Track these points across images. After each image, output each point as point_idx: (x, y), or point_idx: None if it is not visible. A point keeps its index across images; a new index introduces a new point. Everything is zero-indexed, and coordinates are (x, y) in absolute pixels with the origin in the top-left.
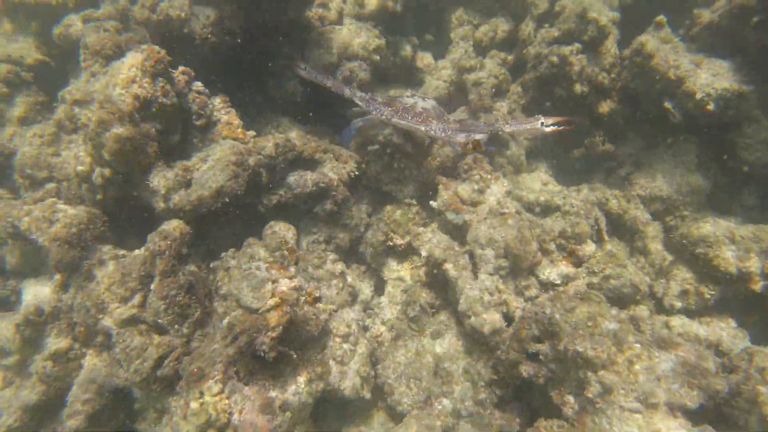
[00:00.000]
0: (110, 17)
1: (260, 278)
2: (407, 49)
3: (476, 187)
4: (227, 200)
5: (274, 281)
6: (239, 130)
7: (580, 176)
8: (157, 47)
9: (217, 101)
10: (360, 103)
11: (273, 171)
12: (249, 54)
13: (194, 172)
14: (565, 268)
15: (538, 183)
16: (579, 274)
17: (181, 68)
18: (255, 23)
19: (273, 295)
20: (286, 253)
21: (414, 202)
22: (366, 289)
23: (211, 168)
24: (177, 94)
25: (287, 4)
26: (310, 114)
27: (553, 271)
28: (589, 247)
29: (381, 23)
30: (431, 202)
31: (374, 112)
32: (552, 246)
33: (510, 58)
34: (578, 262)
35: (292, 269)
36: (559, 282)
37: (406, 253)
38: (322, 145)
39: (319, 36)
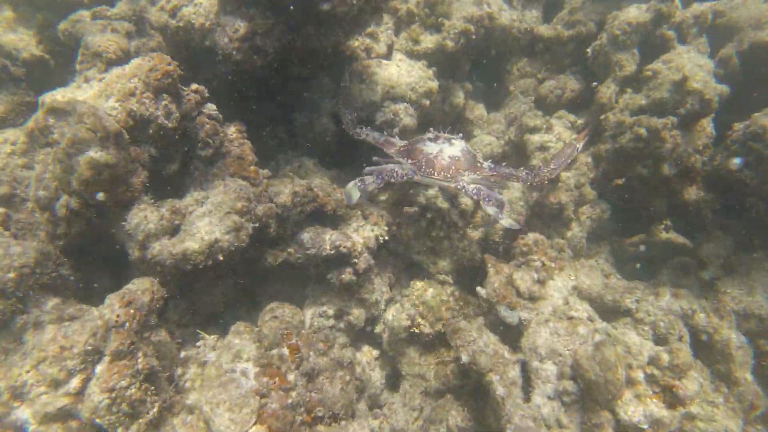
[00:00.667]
0: (125, 17)
1: (244, 390)
2: (459, 96)
3: (536, 276)
4: (222, 258)
5: (263, 396)
6: (252, 168)
7: (641, 270)
8: (168, 57)
9: (231, 130)
10: (374, 143)
11: (285, 223)
12: (278, 80)
13: (186, 216)
14: (655, 408)
15: (599, 275)
16: (674, 419)
17: (194, 86)
18: (291, 45)
19: (258, 419)
20: (286, 352)
21: (450, 280)
22: (376, 380)
23: (207, 214)
24: (183, 115)
25: (333, 27)
26: (341, 157)
27: (638, 410)
28: (693, 385)
29: (435, 64)
30: (478, 289)
31: (390, 173)
32: (639, 375)
33: (580, 122)
34: (675, 401)
35: (292, 377)
36: (646, 427)
37: (434, 344)
38: None
39: (362, 69)
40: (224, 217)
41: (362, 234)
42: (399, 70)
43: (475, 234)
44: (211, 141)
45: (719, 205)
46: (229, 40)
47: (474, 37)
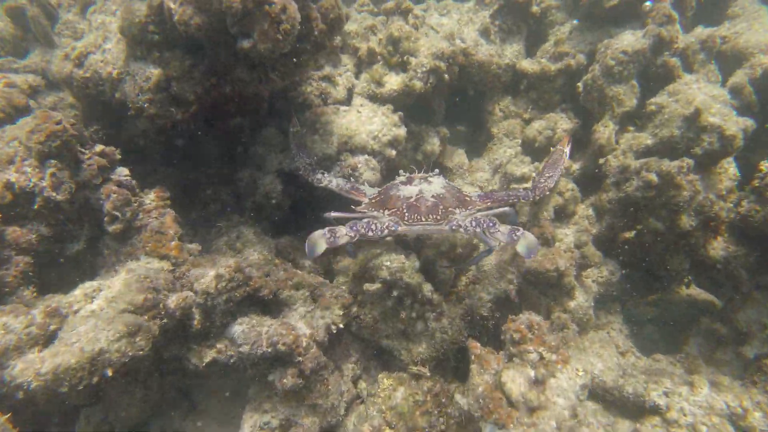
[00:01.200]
0: (35, 70)
1: None
2: (434, 143)
3: (533, 375)
4: (111, 373)
5: None
6: (173, 244)
7: (659, 342)
8: (57, 115)
9: (150, 198)
10: (338, 191)
11: (210, 314)
12: (210, 134)
13: (68, 318)
14: None
15: (613, 352)
16: None
17: (98, 147)
18: (219, 91)
19: None
20: None
21: (426, 372)
22: None
23: (94, 314)
24: (82, 184)
25: (267, 69)
26: (295, 222)
27: None
28: None
29: (402, 108)
30: (458, 398)
31: (367, 226)
32: None
33: (575, 168)
34: None
35: None
36: None
37: None
38: (294, 276)
39: (316, 117)
40: (116, 317)
41: (310, 322)
42: (360, 117)
43: (457, 309)
44: (119, 213)
45: (754, 261)
46: (140, 91)
47: (446, 76)
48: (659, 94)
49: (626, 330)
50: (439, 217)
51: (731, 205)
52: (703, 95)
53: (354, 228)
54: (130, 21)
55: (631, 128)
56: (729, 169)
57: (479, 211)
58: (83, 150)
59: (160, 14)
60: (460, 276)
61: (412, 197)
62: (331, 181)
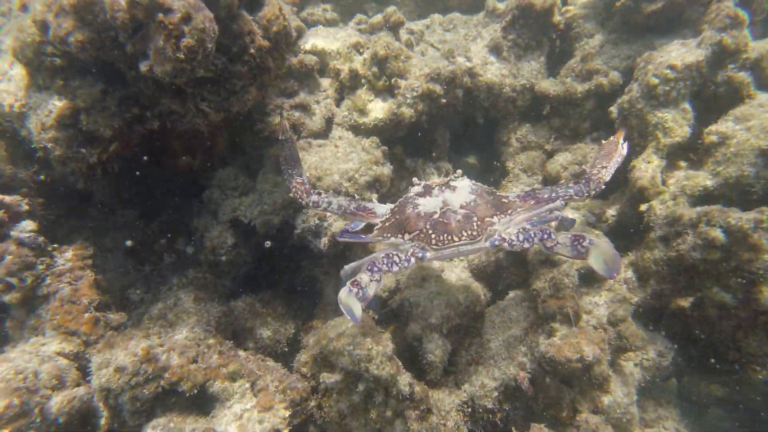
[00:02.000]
0: None
1: None
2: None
3: None
4: None
5: None
6: (86, 316)
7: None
8: None
9: (67, 257)
10: (340, 215)
11: (118, 413)
12: (161, 176)
13: None
14: None
15: None
16: None
17: None
18: (147, 127)
19: None
20: None
21: None
22: None
23: None
24: None
25: (200, 98)
26: (256, 280)
27: None
28: None
29: (392, 140)
30: None
31: (389, 262)
32: None
33: (610, 214)
34: None
35: None
36: None
37: None
38: (231, 361)
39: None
40: None
41: (244, 427)
42: (335, 153)
43: (453, 398)
44: (15, 280)
45: None
46: (43, 127)
47: (444, 100)
48: (722, 120)
49: (684, 419)
50: (475, 233)
51: None
52: None
53: (376, 269)
54: (23, 41)
55: (683, 164)
56: None
57: (523, 213)
58: None
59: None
60: (459, 350)
61: (435, 212)
62: (330, 203)
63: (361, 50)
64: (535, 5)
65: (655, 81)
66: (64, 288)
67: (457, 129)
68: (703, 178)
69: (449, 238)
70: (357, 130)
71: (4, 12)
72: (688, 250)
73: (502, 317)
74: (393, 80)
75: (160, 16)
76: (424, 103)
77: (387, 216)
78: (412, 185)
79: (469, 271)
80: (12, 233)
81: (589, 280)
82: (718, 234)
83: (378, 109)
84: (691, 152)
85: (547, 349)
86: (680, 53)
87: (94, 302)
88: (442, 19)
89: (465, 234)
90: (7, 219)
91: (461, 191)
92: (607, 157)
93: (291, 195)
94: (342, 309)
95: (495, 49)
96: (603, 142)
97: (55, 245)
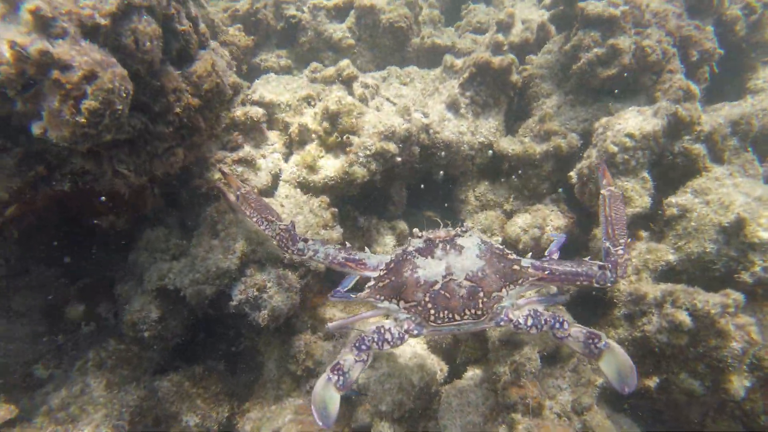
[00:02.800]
0: None
1: None
2: (386, 244)
3: None
4: None
5: None
6: None
7: None
8: None
9: None
10: (328, 266)
11: None
12: (90, 235)
13: None
14: None
15: None
16: None
17: None
18: (56, 190)
19: None
20: None
21: None
22: None
23: None
24: None
25: (117, 160)
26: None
27: None
28: None
29: (344, 199)
30: None
31: (380, 338)
32: None
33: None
34: None
35: None
36: None
37: None
38: None
39: (217, 215)
40: None
41: None
42: (280, 214)
43: None
44: None
45: None
46: None
47: (399, 159)
48: (680, 191)
49: None
50: (480, 312)
51: None
52: (743, 197)
53: (363, 347)
54: None
55: (644, 233)
56: None
57: (533, 286)
58: None
59: None
60: None
61: (437, 282)
62: (317, 251)
63: (312, 103)
64: (492, 63)
65: (614, 149)
66: None
67: (415, 185)
68: (666, 252)
69: (450, 315)
70: (306, 187)
71: None
72: (653, 332)
73: (459, 400)
74: (345, 137)
75: (56, 73)
76: (377, 162)
77: (382, 271)
78: (413, 236)
79: (425, 343)
80: None
81: (551, 362)
82: (685, 318)
83: (329, 167)
84: (651, 222)
85: None
86: (638, 121)
87: None
88: (400, 72)
89: (468, 312)
90: None
91: (468, 254)
92: (620, 221)
93: (275, 243)
94: (313, 408)
95: (452, 106)
96: (602, 193)
97: None
